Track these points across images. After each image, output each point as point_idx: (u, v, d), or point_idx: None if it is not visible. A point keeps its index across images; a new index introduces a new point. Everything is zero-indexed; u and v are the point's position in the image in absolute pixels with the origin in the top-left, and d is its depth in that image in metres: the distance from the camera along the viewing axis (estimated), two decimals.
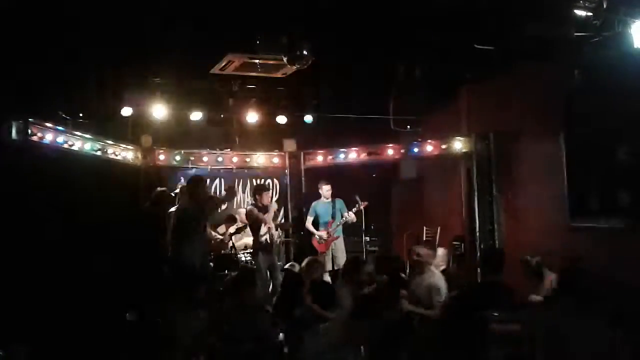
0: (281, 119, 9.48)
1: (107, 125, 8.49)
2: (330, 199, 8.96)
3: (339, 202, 8.96)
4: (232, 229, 8.60)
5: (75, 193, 7.30)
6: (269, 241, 8.06)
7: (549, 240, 7.12)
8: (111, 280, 6.93)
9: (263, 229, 8.03)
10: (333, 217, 8.90)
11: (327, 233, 8.83)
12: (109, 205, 7.66)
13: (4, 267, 5.99)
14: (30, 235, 6.32)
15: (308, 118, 9.48)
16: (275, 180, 10.15)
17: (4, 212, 6.16)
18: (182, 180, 8.37)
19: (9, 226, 6.15)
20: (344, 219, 8.85)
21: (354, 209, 8.80)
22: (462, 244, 8.80)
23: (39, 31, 6.11)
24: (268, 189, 8.98)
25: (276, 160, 10.21)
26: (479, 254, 8.22)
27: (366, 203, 8.88)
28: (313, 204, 9.08)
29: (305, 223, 9.15)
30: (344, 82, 8.34)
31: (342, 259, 8.65)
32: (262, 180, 9.85)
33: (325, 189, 8.94)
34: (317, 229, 8.98)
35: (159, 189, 7.95)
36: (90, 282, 6.82)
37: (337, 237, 8.86)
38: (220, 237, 8.66)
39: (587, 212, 6.95)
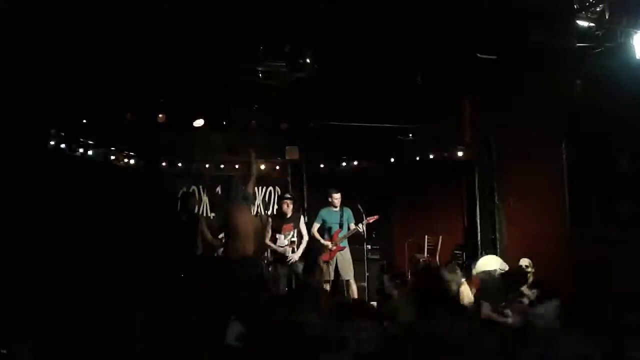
0: (284, 127, 9.48)
1: (110, 132, 8.51)
2: (338, 208, 8.84)
3: (347, 212, 8.80)
4: None
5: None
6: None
7: (549, 248, 7.12)
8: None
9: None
10: (340, 227, 8.75)
11: (334, 243, 8.67)
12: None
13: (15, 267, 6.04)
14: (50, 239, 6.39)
15: (309, 126, 9.48)
16: (277, 188, 10.14)
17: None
18: None
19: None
20: (350, 232, 8.72)
21: (363, 222, 8.62)
22: (464, 253, 8.78)
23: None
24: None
25: (278, 167, 10.21)
26: None
27: (377, 217, 8.82)
28: (321, 211, 8.87)
29: (311, 229, 8.88)
30: (347, 90, 8.35)
31: (349, 270, 8.57)
32: (264, 188, 9.86)
33: (335, 197, 8.74)
34: (322, 237, 8.77)
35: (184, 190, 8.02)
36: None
37: (344, 248, 8.72)
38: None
39: (587, 220, 6.97)
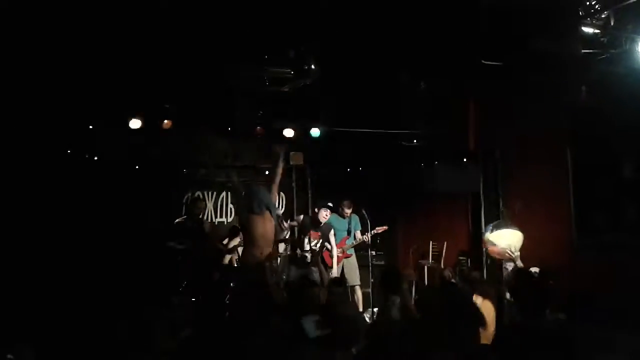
0: (288, 132, 9.48)
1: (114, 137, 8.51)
2: (347, 216, 8.94)
3: (354, 219, 8.95)
4: (235, 241, 8.56)
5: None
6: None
7: (555, 255, 7.09)
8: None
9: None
10: (348, 233, 8.89)
11: (341, 249, 8.74)
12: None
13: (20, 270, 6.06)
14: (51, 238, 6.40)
15: (315, 132, 9.48)
16: (282, 194, 10.13)
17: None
18: None
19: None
20: (358, 241, 8.82)
21: (372, 232, 8.70)
22: (469, 260, 8.75)
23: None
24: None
25: (283, 173, 10.18)
26: None
27: (385, 227, 8.88)
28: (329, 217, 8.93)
29: None
30: (352, 96, 8.35)
31: (354, 276, 8.66)
32: None
33: (347, 211, 8.91)
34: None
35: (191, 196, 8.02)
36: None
37: (350, 255, 8.83)
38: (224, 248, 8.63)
39: (592, 228, 6.94)
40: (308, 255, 7.94)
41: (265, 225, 6.68)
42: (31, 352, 4.81)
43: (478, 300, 5.55)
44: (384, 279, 5.73)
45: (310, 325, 4.72)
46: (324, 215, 8.28)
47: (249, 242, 6.72)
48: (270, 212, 6.80)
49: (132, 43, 6.36)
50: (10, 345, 4.63)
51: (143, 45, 6.40)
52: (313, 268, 7.95)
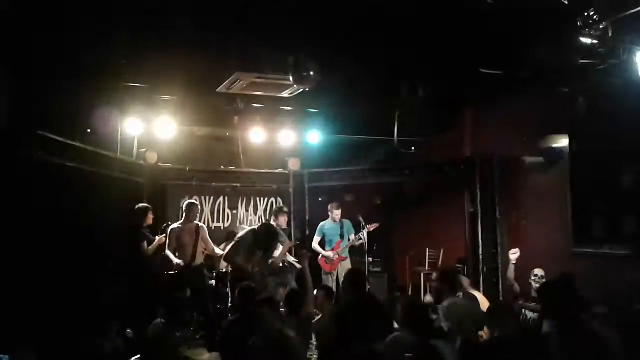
0: (286, 138, 9.50)
1: (112, 142, 8.51)
2: (338, 220, 9.00)
3: (347, 223, 9.01)
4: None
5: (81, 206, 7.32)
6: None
7: (551, 264, 7.10)
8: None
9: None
10: (341, 237, 8.94)
11: (336, 253, 8.84)
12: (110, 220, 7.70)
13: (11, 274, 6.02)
14: (34, 248, 6.35)
15: (312, 138, 9.50)
16: (279, 199, 10.15)
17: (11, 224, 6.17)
18: None
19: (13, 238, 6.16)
20: (351, 241, 8.86)
21: (364, 230, 8.73)
22: (465, 267, 8.77)
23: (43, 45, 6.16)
24: (286, 212, 8.58)
25: (280, 178, 10.23)
26: None
27: (377, 224, 8.90)
28: (320, 224, 9.11)
29: (312, 243, 9.10)
30: (349, 102, 8.37)
31: None
32: (266, 199, 9.88)
33: (336, 213, 8.98)
34: (323, 249, 8.99)
35: (188, 200, 8.13)
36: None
37: (345, 258, 8.91)
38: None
39: (590, 237, 6.95)
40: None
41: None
42: (32, 354, 4.81)
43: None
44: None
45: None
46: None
47: (246, 259, 6.87)
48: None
49: (130, 44, 6.37)
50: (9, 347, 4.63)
51: (142, 46, 6.41)
52: (289, 275, 7.89)
